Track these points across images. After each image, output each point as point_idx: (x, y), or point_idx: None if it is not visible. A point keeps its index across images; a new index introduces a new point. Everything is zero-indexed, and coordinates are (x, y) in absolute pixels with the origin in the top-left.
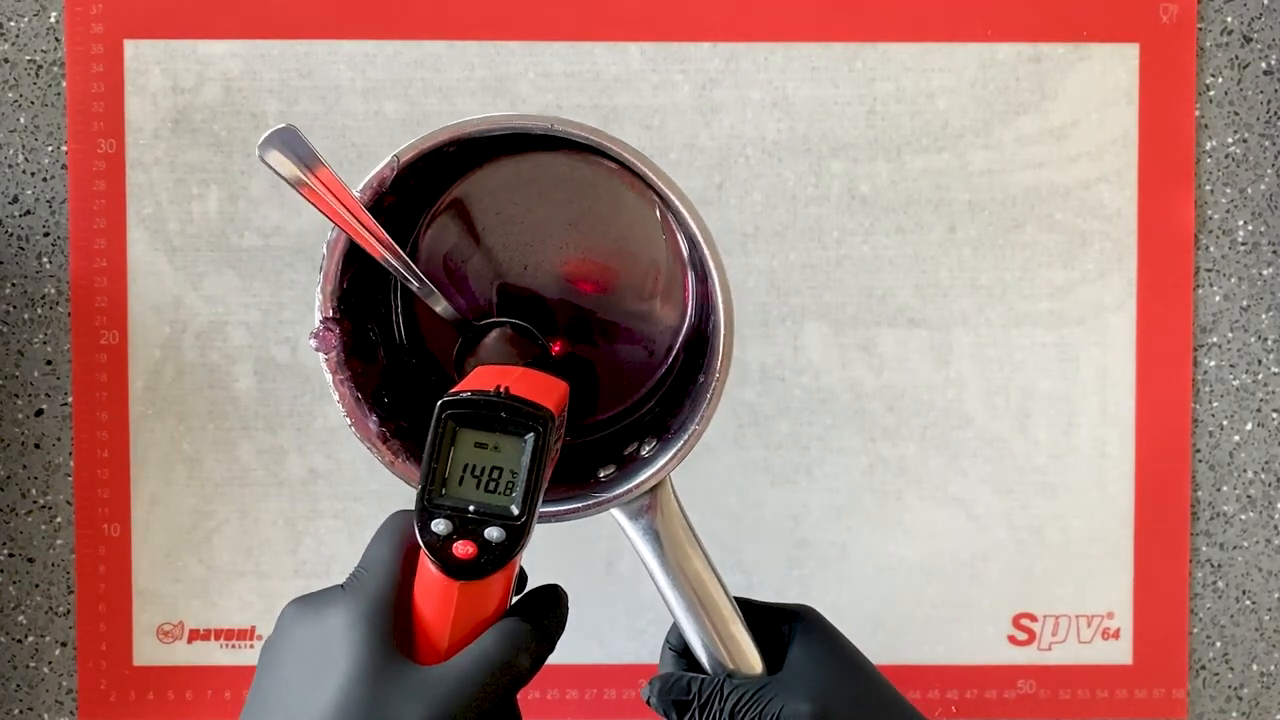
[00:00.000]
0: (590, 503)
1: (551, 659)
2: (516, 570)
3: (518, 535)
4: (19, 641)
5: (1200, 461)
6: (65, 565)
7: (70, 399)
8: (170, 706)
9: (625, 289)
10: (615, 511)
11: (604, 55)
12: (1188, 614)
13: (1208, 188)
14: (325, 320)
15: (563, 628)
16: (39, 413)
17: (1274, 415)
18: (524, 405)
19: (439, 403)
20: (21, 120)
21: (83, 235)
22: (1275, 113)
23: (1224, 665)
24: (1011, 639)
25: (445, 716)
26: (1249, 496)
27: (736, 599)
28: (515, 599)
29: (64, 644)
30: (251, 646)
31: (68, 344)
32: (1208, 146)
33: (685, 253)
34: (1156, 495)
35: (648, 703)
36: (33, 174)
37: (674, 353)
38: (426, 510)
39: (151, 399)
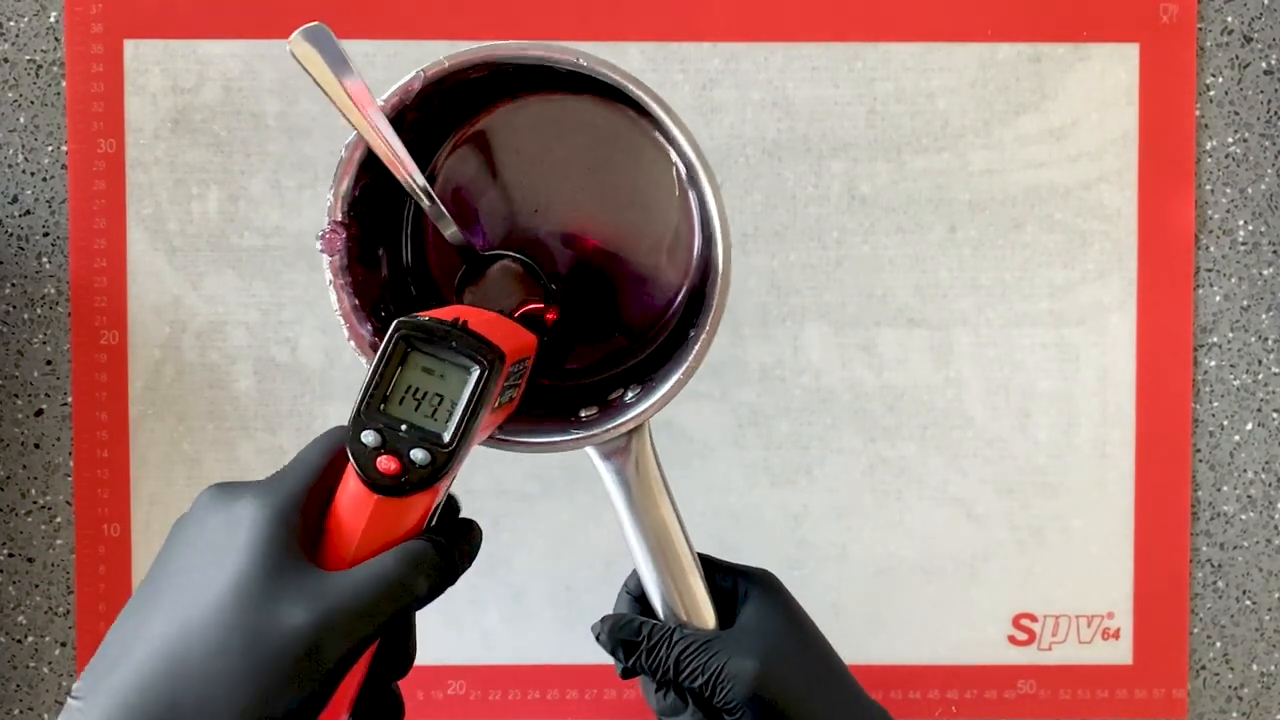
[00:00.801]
0: (568, 438)
1: (551, 659)
2: (438, 500)
3: (444, 461)
4: (19, 641)
5: (1200, 461)
6: (65, 565)
7: (70, 399)
8: None
9: (633, 240)
10: (591, 451)
11: (604, 55)
12: (1188, 614)
13: (1208, 188)
14: (334, 222)
15: (469, 560)
16: (39, 413)
17: (1274, 415)
18: (475, 340)
19: (395, 320)
20: (21, 120)
21: (83, 235)
22: (1275, 113)
23: (1224, 665)
24: (1011, 639)
25: (330, 622)
26: (1249, 496)
27: (699, 555)
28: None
29: (64, 644)
30: None
31: (68, 344)
32: (1208, 146)
33: (696, 212)
34: (1156, 495)
35: (597, 639)
36: (33, 174)
37: (673, 308)
38: (360, 420)
39: (151, 399)
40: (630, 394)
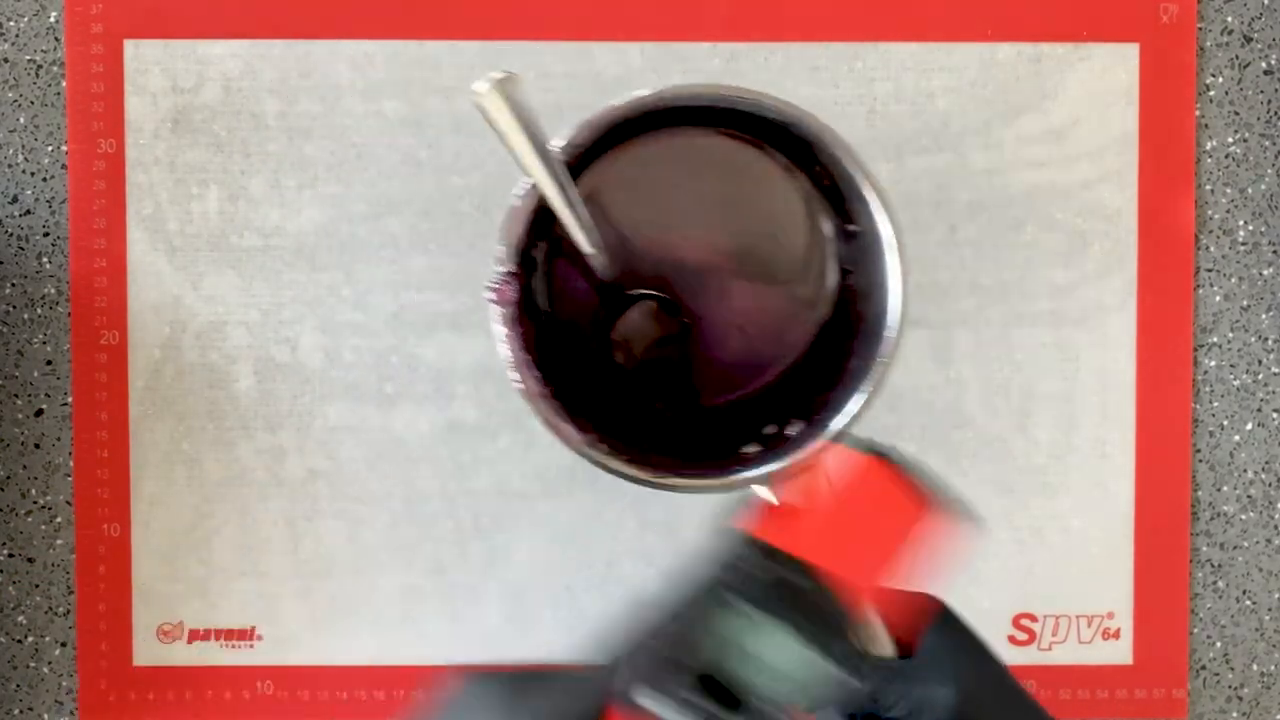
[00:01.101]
0: (739, 476)
1: (551, 659)
2: None
3: None
4: (19, 641)
5: (1200, 461)
6: (65, 565)
7: (70, 399)
8: (170, 707)
9: (765, 272)
10: (756, 486)
11: (604, 55)
12: (1188, 614)
13: (1208, 188)
14: (507, 273)
15: None
16: (39, 413)
17: (1274, 415)
18: (830, 602)
19: (719, 577)
20: (21, 120)
21: (83, 235)
22: (1275, 113)
23: (1224, 665)
24: (1011, 639)
25: None
26: (1249, 496)
27: None
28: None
29: (64, 644)
30: (251, 646)
31: (67, 344)
32: (1208, 146)
33: (831, 241)
34: (1156, 495)
35: None
36: (33, 174)
37: (809, 337)
38: (640, 682)
39: (151, 399)
40: (793, 429)
